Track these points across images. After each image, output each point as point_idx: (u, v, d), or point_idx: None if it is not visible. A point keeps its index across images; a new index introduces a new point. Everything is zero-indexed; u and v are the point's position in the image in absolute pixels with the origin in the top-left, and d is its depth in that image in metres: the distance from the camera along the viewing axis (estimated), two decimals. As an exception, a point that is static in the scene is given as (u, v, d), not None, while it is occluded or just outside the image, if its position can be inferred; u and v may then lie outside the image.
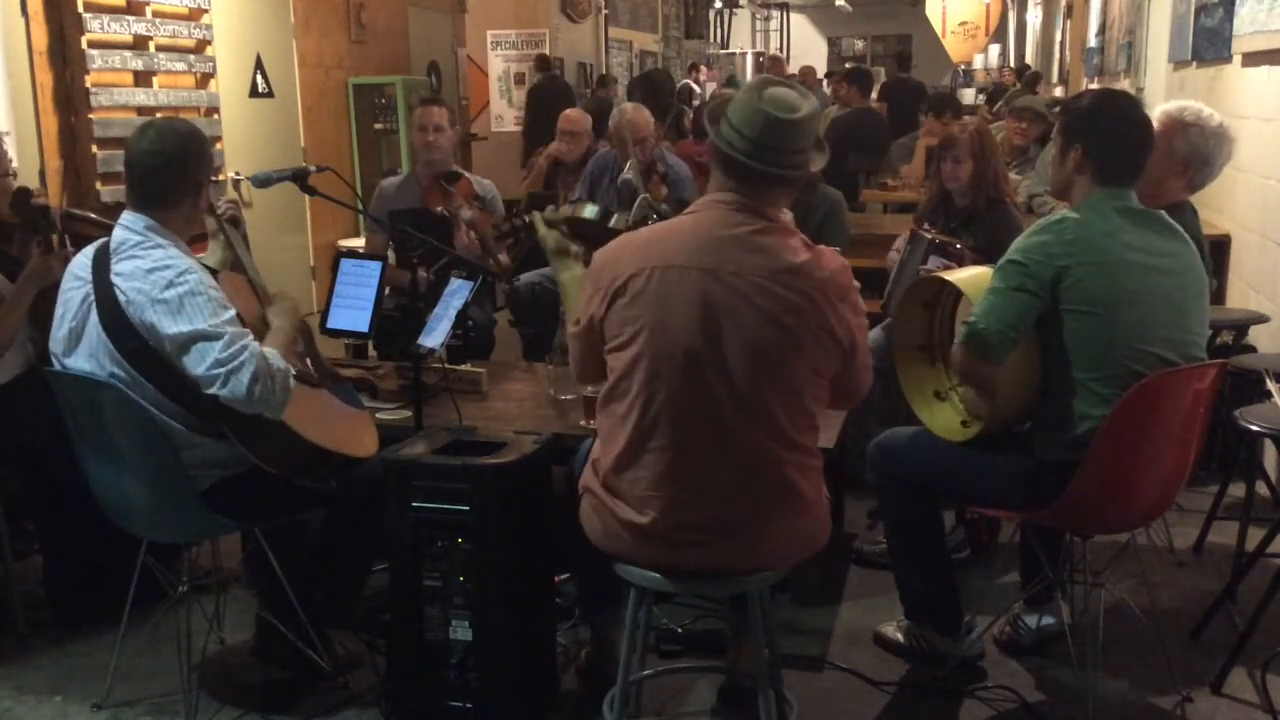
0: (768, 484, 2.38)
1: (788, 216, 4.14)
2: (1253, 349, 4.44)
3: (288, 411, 2.71)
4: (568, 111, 6.61)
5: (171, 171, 2.78)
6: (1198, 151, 3.33)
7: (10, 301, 3.29)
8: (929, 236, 3.95)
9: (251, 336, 2.67)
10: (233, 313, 2.68)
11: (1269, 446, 4.13)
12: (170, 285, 2.64)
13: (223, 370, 2.58)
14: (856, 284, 2.43)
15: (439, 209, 4.59)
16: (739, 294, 2.31)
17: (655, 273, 2.35)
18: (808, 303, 2.32)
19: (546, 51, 11.48)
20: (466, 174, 4.92)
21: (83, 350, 2.76)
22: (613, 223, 3.60)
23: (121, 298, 2.67)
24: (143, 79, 5.48)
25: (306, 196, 3.30)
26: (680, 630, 3.28)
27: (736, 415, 2.33)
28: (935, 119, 7.60)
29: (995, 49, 20.78)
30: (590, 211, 3.67)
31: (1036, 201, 5.69)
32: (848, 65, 16.58)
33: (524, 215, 3.35)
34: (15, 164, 4.37)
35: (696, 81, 15.32)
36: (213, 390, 2.59)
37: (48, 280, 3.22)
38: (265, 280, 3.11)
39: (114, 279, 2.70)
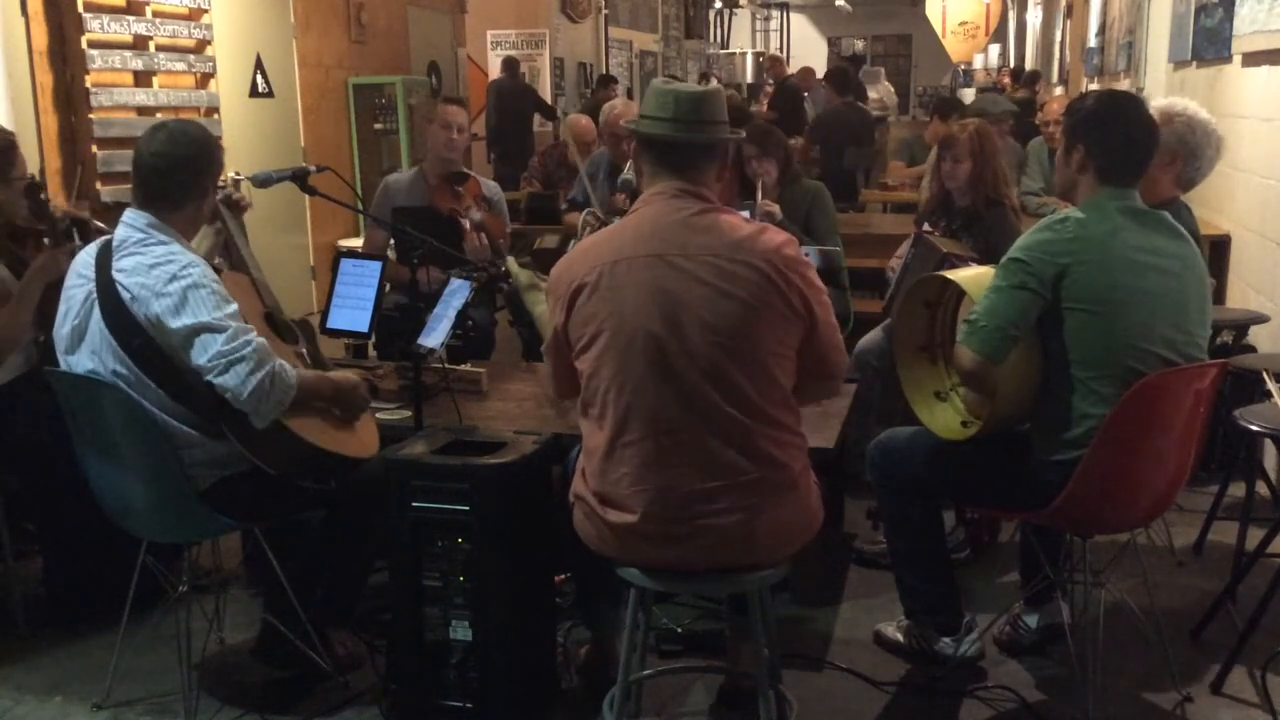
0: (747, 459, 2.38)
1: (775, 208, 4.19)
2: (1253, 349, 4.45)
3: (288, 412, 2.71)
4: (580, 120, 6.68)
5: (178, 174, 2.79)
6: (1185, 142, 3.33)
7: (18, 297, 3.29)
8: (943, 250, 3.91)
9: (255, 333, 2.68)
10: (235, 307, 2.70)
11: (1269, 446, 4.13)
12: (174, 279, 2.66)
13: (224, 360, 2.61)
14: (806, 259, 2.47)
15: (448, 209, 4.57)
16: (690, 275, 2.35)
17: (607, 268, 2.40)
18: (757, 274, 2.36)
19: (547, 51, 11.51)
20: (474, 175, 4.91)
21: (85, 348, 2.76)
22: (570, 245, 3.67)
23: (125, 294, 2.68)
24: (143, 79, 5.49)
25: (306, 196, 3.30)
26: (680, 630, 3.28)
27: (705, 394, 2.34)
28: (941, 121, 7.66)
29: (995, 49, 20.78)
30: (550, 241, 3.79)
31: (1034, 202, 5.70)
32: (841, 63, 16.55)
33: (502, 265, 3.61)
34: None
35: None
36: (211, 378, 2.61)
37: (54, 275, 3.21)
38: (266, 276, 3.11)
39: (116, 275, 2.71)
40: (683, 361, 2.34)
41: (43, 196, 3.41)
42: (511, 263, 3.32)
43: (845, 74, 9.32)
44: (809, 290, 2.42)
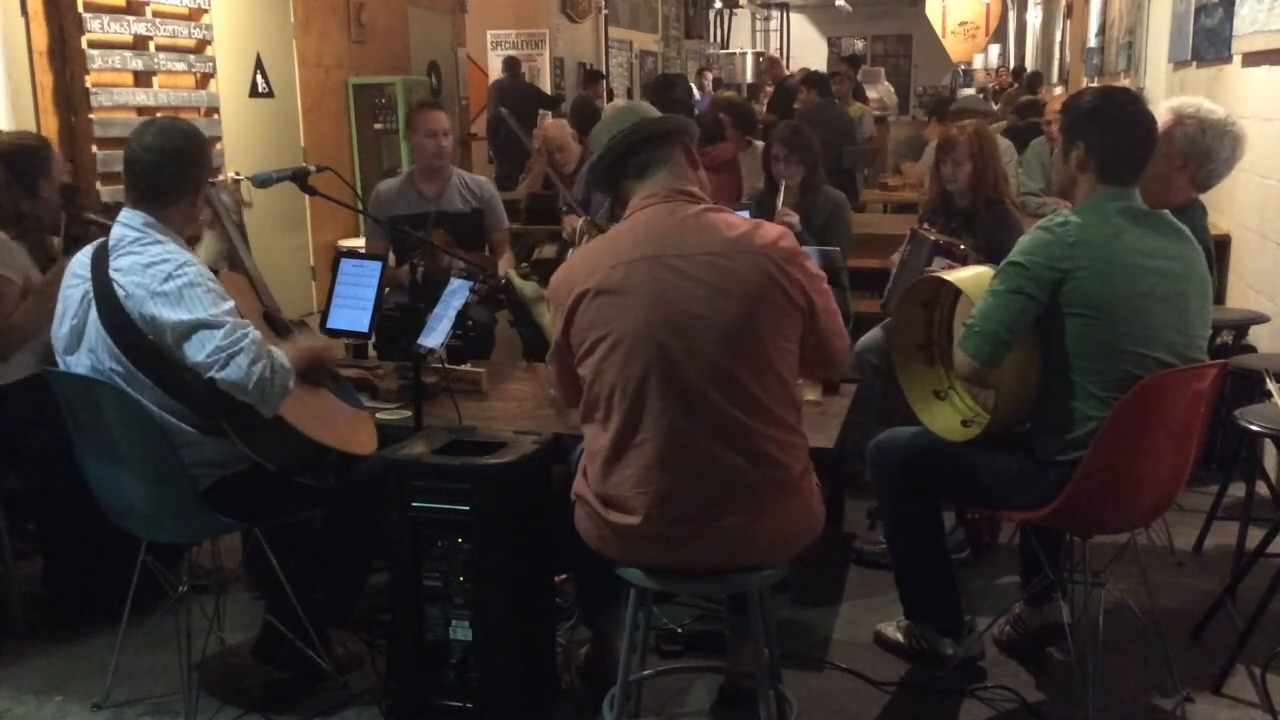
0: (749, 462, 2.38)
1: (794, 218, 4.21)
2: (1253, 349, 4.44)
3: (287, 408, 2.72)
4: (547, 125, 6.65)
5: (169, 169, 2.78)
6: (1196, 145, 3.31)
7: (38, 293, 3.30)
8: (932, 238, 3.94)
9: (252, 326, 2.68)
10: (232, 304, 2.70)
11: (1269, 446, 4.13)
12: (169, 278, 2.66)
13: (222, 355, 2.60)
14: (803, 250, 2.47)
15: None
16: (688, 275, 2.36)
17: (606, 274, 2.40)
18: (755, 270, 2.36)
19: (547, 52, 11.52)
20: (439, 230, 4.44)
21: (83, 347, 2.77)
22: (569, 253, 3.70)
23: (120, 293, 2.68)
24: (143, 79, 5.49)
25: (306, 196, 3.30)
26: (680, 630, 3.28)
27: (710, 395, 2.35)
28: (939, 123, 7.68)
29: (995, 49, 20.80)
30: (549, 251, 3.82)
31: (1034, 202, 5.70)
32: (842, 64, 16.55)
33: (502, 279, 3.65)
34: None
35: (700, 85, 15.33)
36: (212, 374, 2.61)
37: None
38: (265, 278, 3.11)
39: (113, 275, 2.71)
40: (685, 364, 2.34)
41: (77, 200, 3.43)
42: (514, 276, 3.31)
43: (824, 78, 9.54)
44: (808, 280, 2.43)
